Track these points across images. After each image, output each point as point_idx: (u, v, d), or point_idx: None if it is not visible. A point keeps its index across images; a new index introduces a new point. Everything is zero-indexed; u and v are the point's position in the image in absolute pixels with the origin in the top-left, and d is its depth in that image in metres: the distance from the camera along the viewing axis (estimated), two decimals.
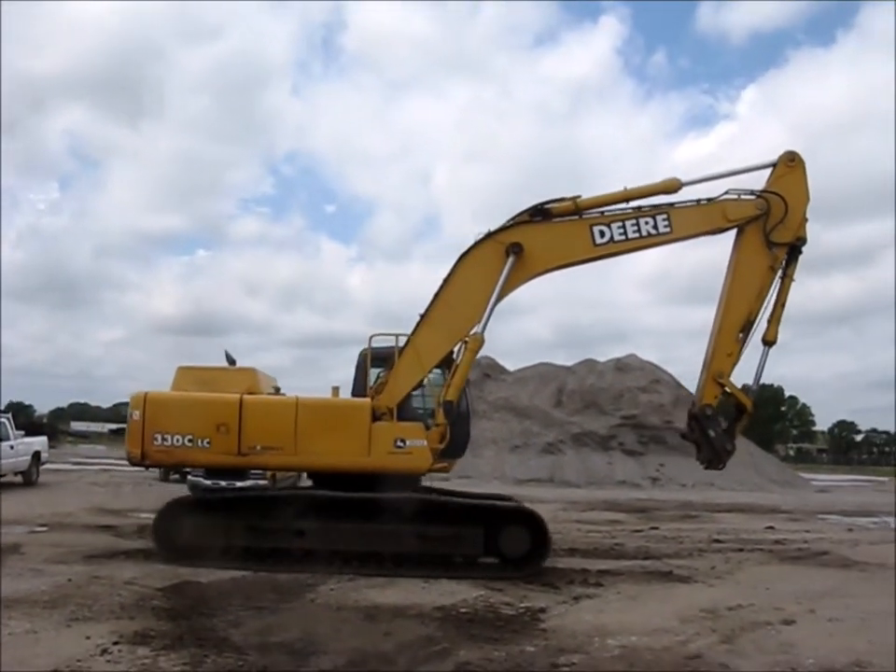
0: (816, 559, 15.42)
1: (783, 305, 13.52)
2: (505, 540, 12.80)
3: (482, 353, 13.80)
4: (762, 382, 14.27)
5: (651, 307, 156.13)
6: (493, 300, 13.09)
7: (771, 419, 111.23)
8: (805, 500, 33.24)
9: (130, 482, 29.77)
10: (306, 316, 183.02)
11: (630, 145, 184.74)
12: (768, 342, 13.55)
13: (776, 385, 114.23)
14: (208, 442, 12.83)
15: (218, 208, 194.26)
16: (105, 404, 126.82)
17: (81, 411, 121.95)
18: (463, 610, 9.97)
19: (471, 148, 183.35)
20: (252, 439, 12.85)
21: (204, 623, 8.87)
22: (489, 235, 13.34)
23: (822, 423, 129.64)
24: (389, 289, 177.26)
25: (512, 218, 13.46)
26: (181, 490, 24.50)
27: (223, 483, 22.21)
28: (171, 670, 7.15)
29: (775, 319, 13.51)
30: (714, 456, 13.55)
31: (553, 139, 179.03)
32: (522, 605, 10.40)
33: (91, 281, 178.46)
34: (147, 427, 12.85)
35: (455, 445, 13.27)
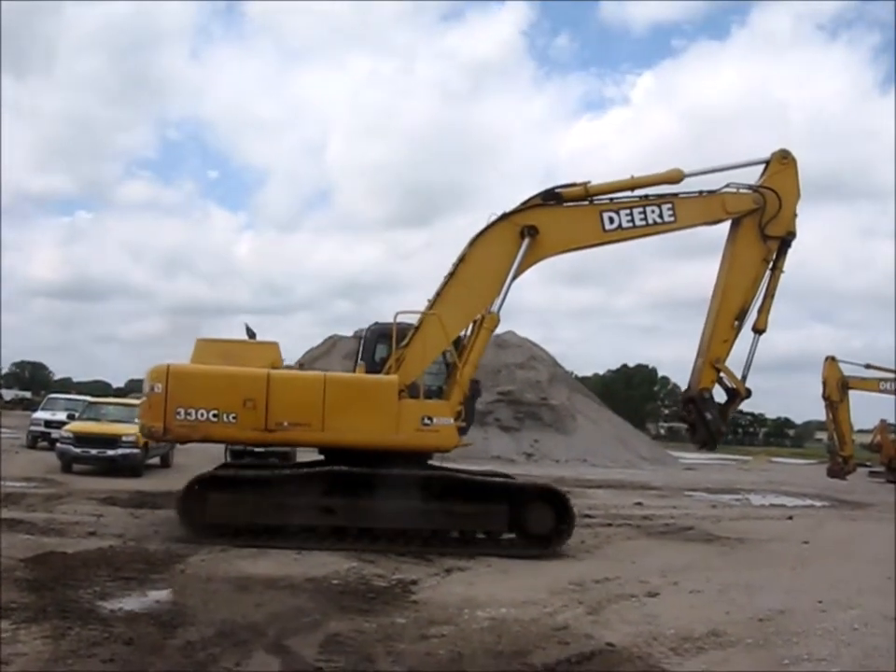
0: (681, 534, 15.99)
1: (772, 296, 14.22)
2: (531, 518, 12.97)
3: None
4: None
5: (534, 285, 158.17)
6: (508, 280, 13.36)
7: (643, 398, 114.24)
8: (672, 478, 34.30)
9: None
10: (188, 283, 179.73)
11: (526, 125, 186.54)
12: (759, 330, 14.26)
13: (650, 365, 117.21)
14: (234, 418, 12.40)
15: (105, 170, 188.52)
16: None
17: None
18: (335, 582, 9.97)
19: (368, 122, 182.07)
20: (279, 414, 12.50)
21: (69, 595, 8.61)
22: (504, 216, 13.52)
23: None
24: (276, 259, 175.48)
25: (526, 201, 13.67)
26: (49, 457, 23.79)
27: (93, 452, 21.79)
28: (32, 643, 6.90)
29: (765, 309, 14.21)
30: (709, 437, 14.24)
31: (452, 117, 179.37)
32: (394, 577, 10.46)
33: None
34: (169, 401, 12.34)
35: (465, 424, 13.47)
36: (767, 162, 14.31)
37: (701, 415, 14.10)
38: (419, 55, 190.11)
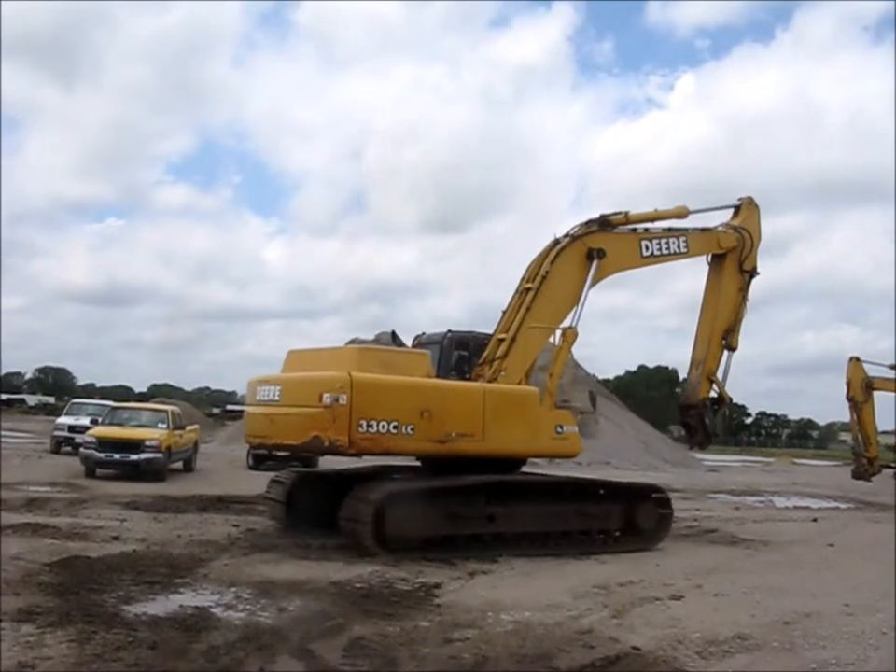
0: (704, 536, 15.94)
1: (741, 320, 16.68)
2: (642, 516, 14.12)
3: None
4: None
5: None
6: (583, 296, 14.46)
7: (664, 400, 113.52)
8: (696, 480, 34.14)
9: (19, 454, 28.88)
10: (219, 289, 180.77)
11: (564, 129, 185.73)
12: (732, 348, 16.61)
13: (671, 367, 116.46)
14: (412, 429, 12.22)
15: (144, 177, 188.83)
16: None
17: None
18: (358, 585, 9.95)
19: (409, 128, 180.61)
20: (449, 425, 12.52)
21: (94, 599, 8.62)
22: (575, 238, 14.70)
23: None
24: (308, 265, 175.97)
25: (585, 224, 14.93)
26: (73, 462, 23.94)
27: (116, 456, 21.94)
28: (57, 647, 6.92)
29: (737, 331, 16.61)
30: (706, 439, 16.68)
31: (493, 123, 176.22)
32: (417, 580, 10.42)
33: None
34: (353, 413, 11.86)
35: None
36: (737, 207, 16.82)
37: (702, 420, 16.25)
38: (464, 61, 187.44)
